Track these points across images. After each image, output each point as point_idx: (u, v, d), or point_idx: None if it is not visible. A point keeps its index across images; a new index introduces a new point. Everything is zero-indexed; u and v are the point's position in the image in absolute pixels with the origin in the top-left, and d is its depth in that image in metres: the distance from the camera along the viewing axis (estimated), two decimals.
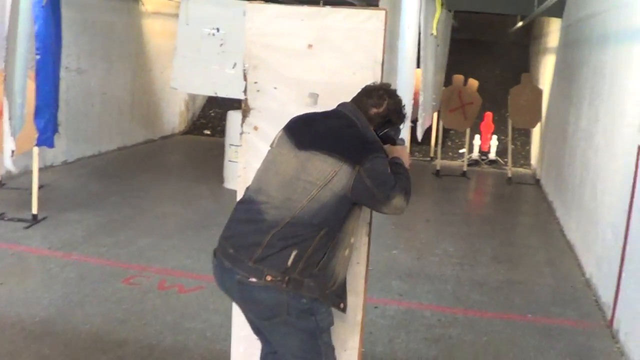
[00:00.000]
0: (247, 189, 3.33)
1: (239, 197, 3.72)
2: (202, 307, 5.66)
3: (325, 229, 3.07)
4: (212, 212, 8.71)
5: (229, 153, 10.20)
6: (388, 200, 3.10)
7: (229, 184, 9.96)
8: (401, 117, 3.38)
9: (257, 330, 3.48)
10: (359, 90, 3.42)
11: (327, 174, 3.07)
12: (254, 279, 3.03)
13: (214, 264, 3.27)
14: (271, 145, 3.35)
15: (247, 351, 3.97)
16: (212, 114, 15.68)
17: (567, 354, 5.25)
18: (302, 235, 3.04)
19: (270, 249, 3.04)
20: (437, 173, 12.39)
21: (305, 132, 3.23)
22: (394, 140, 3.40)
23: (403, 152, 3.41)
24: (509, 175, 12.34)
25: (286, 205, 3.09)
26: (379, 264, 6.94)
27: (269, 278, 3.02)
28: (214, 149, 12.76)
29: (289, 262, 3.02)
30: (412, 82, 8.87)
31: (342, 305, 3.27)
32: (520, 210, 10.50)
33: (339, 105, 3.37)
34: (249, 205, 3.20)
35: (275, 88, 3.78)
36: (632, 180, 5.65)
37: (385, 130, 3.35)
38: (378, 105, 3.32)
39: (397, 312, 5.86)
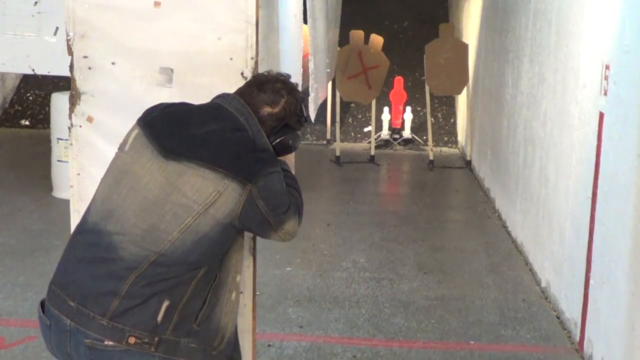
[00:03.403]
0: (89, 211, 3.14)
1: (74, 216, 3.61)
2: None
3: (204, 268, 2.98)
4: (39, 232, 8.51)
5: (57, 150, 9.99)
6: (281, 225, 3.12)
7: (60, 192, 9.77)
8: (301, 121, 3.34)
9: None
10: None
11: (208, 196, 2.97)
12: (111, 342, 2.89)
13: (44, 322, 3.09)
14: (120, 149, 3.19)
15: None
16: (31, 98, 15.30)
17: None
18: (173, 279, 2.93)
19: (132, 299, 2.91)
20: (337, 160, 12.41)
21: (175, 134, 3.10)
22: (291, 150, 3.36)
23: (288, 154, 3.39)
24: (430, 157, 12.48)
25: (150, 238, 2.96)
26: (269, 286, 6.87)
27: (132, 340, 2.89)
28: (36, 145, 12.51)
29: (159, 317, 2.91)
30: (299, 44, 8.78)
31: None
32: (449, 203, 10.63)
33: (219, 98, 3.28)
34: (94, 238, 3.04)
35: (113, 63, 3.70)
36: (594, 158, 5.67)
37: (282, 138, 3.28)
38: (273, 103, 3.25)
39: (298, 350, 5.78)
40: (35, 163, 11.26)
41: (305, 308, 6.60)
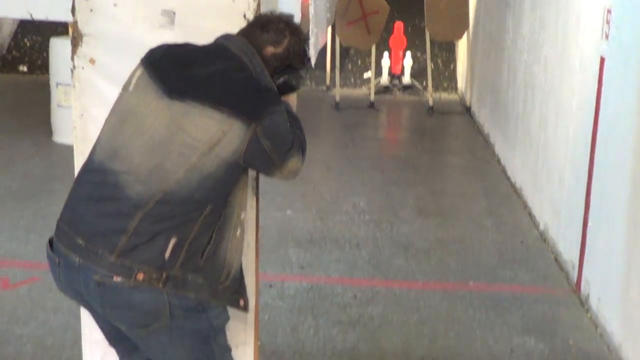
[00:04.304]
0: (94, 151, 3.13)
1: (78, 158, 3.59)
2: (37, 305, 5.49)
3: (210, 206, 2.98)
4: (41, 177, 8.51)
5: (57, 95, 9.94)
6: (284, 163, 3.10)
7: (60, 137, 9.75)
8: (304, 61, 3.34)
9: (115, 340, 3.36)
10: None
11: (213, 135, 2.96)
12: (119, 279, 2.91)
13: (53, 260, 3.11)
14: (124, 89, 3.18)
15: (106, 359, 3.81)
16: (28, 44, 15.20)
17: (524, 329, 5.31)
18: (180, 217, 2.94)
19: (140, 237, 2.92)
20: (337, 106, 12.37)
21: (179, 74, 3.09)
22: (294, 90, 3.37)
23: (290, 95, 3.38)
24: (430, 103, 12.44)
25: (156, 177, 2.96)
26: (270, 229, 6.89)
27: (140, 276, 2.91)
28: (35, 90, 12.42)
29: (167, 254, 2.92)
30: None
31: (241, 303, 3.21)
32: (449, 148, 10.63)
33: (222, 38, 3.25)
34: (100, 177, 3.05)
35: (115, 5, 3.62)
36: (594, 102, 5.70)
37: (285, 78, 3.29)
38: (276, 43, 3.23)
39: (300, 291, 5.84)
40: (35, 109, 11.20)
41: (306, 250, 6.65)
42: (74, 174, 3.54)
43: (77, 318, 4.83)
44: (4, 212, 7.41)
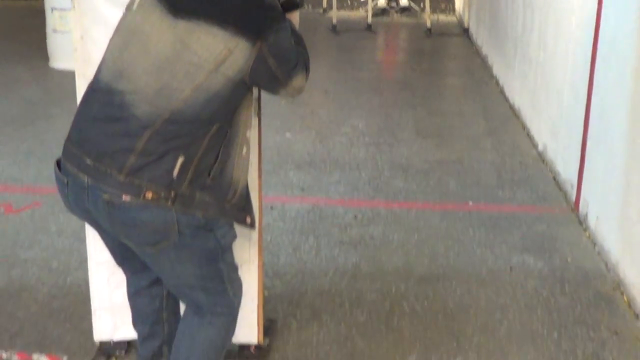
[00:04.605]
0: (100, 71, 3.12)
1: (80, 80, 3.58)
2: (40, 229, 5.52)
3: (216, 125, 2.98)
4: (38, 102, 8.53)
5: (52, 21, 9.93)
6: (289, 80, 3.09)
7: (57, 62, 9.79)
8: None
9: (123, 259, 3.41)
10: None
11: (219, 54, 2.93)
12: (128, 197, 2.92)
13: (61, 180, 3.10)
14: (128, 8, 3.14)
15: (113, 279, 3.86)
16: None
17: (523, 247, 5.36)
18: (187, 136, 2.94)
19: (148, 156, 2.92)
20: (334, 28, 12.33)
21: None
22: (297, 7, 3.33)
23: (293, 13, 3.32)
24: (428, 25, 12.41)
25: (163, 97, 2.94)
26: (270, 151, 6.91)
27: (149, 195, 2.91)
28: (30, 16, 12.38)
29: (175, 173, 2.92)
30: None
31: (248, 220, 3.23)
32: (447, 69, 10.62)
33: None
34: (107, 97, 3.03)
35: None
36: (594, 21, 5.68)
37: None
38: None
39: (301, 212, 5.87)
40: (30, 35, 11.18)
41: (306, 172, 6.69)
42: (72, 99, 3.54)
43: (81, 241, 4.89)
44: (4, 137, 7.43)
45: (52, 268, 4.96)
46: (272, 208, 5.82)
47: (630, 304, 4.63)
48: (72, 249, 5.15)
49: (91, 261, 3.93)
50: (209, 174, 2.99)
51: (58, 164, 3.13)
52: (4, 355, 4.03)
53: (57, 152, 3.18)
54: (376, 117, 8.21)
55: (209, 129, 2.95)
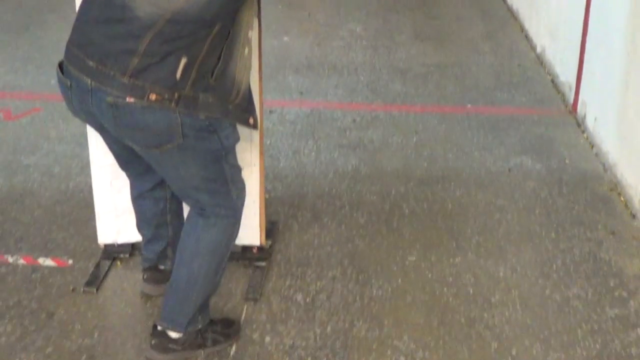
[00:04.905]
0: None
1: None
2: (41, 135, 5.52)
3: (218, 25, 2.94)
4: (33, 8, 8.39)
5: None
6: None
7: None
8: None
9: (126, 163, 3.44)
10: None
11: None
12: (132, 99, 2.91)
13: (64, 83, 3.09)
14: None
15: (116, 183, 3.88)
16: None
17: (522, 149, 5.38)
18: (189, 37, 2.91)
19: (151, 57, 2.90)
20: None
21: None
22: None
23: None
24: None
25: None
26: (268, 55, 6.72)
27: (153, 97, 2.90)
28: None
29: (178, 74, 2.91)
30: None
31: (251, 121, 3.22)
32: None
33: None
34: None
35: None
36: None
37: None
38: None
39: (300, 116, 5.88)
40: None
41: (304, 76, 6.67)
42: (67, 4, 3.51)
43: (82, 147, 4.92)
44: (1, 45, 7.34)
45: (54, 173, 4.98)
46: (271, 112, 5.81)
47: (627, 204, 4.68)
48: (73, 155, 5.16)
49: (94, 165, 3.93)
50: (212, 75, 2.97)
51: (60, 67, 3.11)
52: (10, 259, 4.08)
53: (55, 59, 3.16)
54: (374, 21, 8.13)
55: (211, 29, 2.92)
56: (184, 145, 3.01)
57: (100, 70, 2.92)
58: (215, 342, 3.45)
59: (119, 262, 4.06)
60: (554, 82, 6.48)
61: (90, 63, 2.94)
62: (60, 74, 3.10)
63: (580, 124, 5.71)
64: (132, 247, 4.09)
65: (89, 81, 2.95)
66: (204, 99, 2.97)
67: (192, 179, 3.18)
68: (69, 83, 3.05)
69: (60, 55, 3.13)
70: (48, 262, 4.07)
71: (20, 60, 6.90)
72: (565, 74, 6.22)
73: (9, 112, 5.91)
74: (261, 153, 3.83)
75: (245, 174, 3.49)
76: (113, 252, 4.09)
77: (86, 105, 3.03)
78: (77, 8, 3.25)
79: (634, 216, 4.55)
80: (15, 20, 7.99)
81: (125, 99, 2.90)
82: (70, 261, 4.07)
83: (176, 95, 2.91)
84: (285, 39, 7.55)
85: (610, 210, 4.65)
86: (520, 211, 4.61)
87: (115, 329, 3.61)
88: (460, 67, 6.91)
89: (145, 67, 2.89)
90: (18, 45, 7.27)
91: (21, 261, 4.06)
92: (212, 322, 3.48)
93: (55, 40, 7.15)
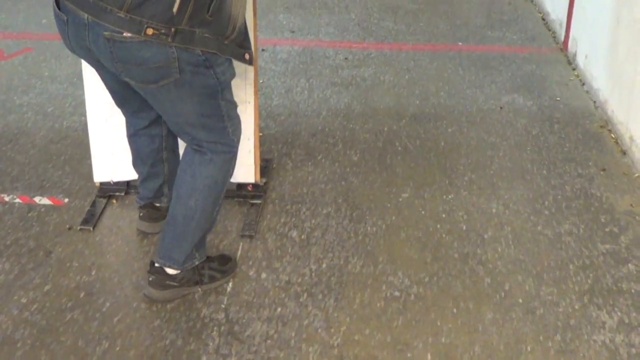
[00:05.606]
0: None
1: None
2: (33, 75, 5.49)
3: None
4: None
5: None
6: None
7: None
8: None
9: (122, 99, 3.41)
10: None
11: None
12: (129, 34, 2.88)
13: (60, 18, 3.05)
14: None
15: (111, 121, 3.86)
16: None
17: (513, 87, 5.37)
18: None
19: None
20: None
21: None
22: None
23: None
24: None
25: None
26: None
27: (150, 32, 2.87)
28: None
29: (175, 9, 2.87)
30: None
31: (247, 56, 3.19)
32: None
33: None
34: None
35: None
36: None
37: None
38: None
39: (292, 54, 5.84)
40: None
41: (296, 14, 6.61)
42: None
43: (75, 86, 4.90)
44: None
45: (47, 112, 4.94)
46: (263, 50, 5.78)
47: (617, 141, 4.68)
48: (66, 94, 5.12)
49: (89, 103, 3.89)
50: (208, 10, 2.93)
51: (57, 2, 3.07)
52: (6, 198, 4.06)
53: None
54: None
55: None
56: (180, 81, 2.98)
57: (97, 4, 2.88)
58: (212, 279, 3.46)
59: (114, 200, 4.06)
60: (545, 20, 6.45)
61: None
62: (56, 8, 3.05)
63: (571, 62, 5.69)
64: (128, 185, 4.08)
65: (86, 16, 2.91)
66: (200, 33, 2.94)
67: (189, 115, 3.16)
68: (65, 18, 3.01)
69: None
70: (44, 200, 4.06)
71: (11, 0, 6.82)
72: (556, 12, 6.19)
73: (1, 52, 5.86)
74: (256, 90, 3.81)
75: (240, 111, 3.46)
76: (109, 190, 4.08)
77: (83, 41, 2.99)
78: None
79: (624, 153, 4.56)
80: None
81: (122, 33, 2.87)
82: (66, 200, 4.06)
83: (173, 30, 2.87)
84: None
85: (601, 147, 4.65)
86: (512, 148, 4.61)
87: (113, 267, 3.61)
88: (451, 5, 6.87)
89: (142, 1, 2.85)
90: None
91: (17, 200, 4.05)
92: (208, 258, 3.49)
93: None
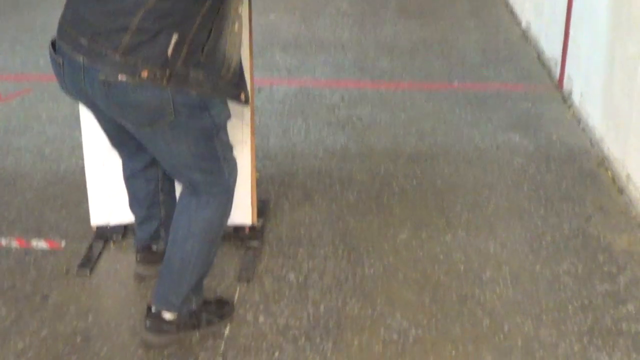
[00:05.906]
0: None
1: None
2: (31, 117, 5.49)
3: (209, 1, 2.92)
4: None
5: None
6: None
7: None
8: None
9: (119, 142, 3.41)
10: None
11: None
12: (124, 77, 2.88)
13: (56, 60, 3.06)
14: None
15: (109, 164, 3.85)
16: None
17: (509, 125, 5.37)
18: (180, 13, 2.88)
19: (142, 34, 2.87)
20: None
21: None
22: None
23: None
24: None
25: None
26: (255, 33, 6.57)
27: (145, 74, 2.87)
28: None
29: (169, 51, 2.88)
30: None
31: (242, 97, 3.19)
32: None
33: None
34: None
35: None
36: None
37: None
38: None
39: (288, 94, 5.85)
40: None
41: (292, 54, 6.63)
42: None
43: (72, 128, 4.89)
44: None
45: (45, 155, 4.93)
46: (259, 90, 5.78)
47: (614, 179, 4.67)
48: (63, 136, 5.12)
49: (86, 145, 3.89)
50: (202, 51, 2.94)
51: (53, 45, 3.08)
52: (3, 241, 4.04)
53: (43, 39, 3.13)
54: None
55: (202, 5, 2.89)
56: (175, 123, 2.98)
57: (92, 47, 2.89)
58: (209, 323, 3.43)
59: (112, 244, 4.03)
60: (540, 58, 6.47)
61: (83, 40, 2.91)
62: (52, 51, 3.06)
63: (566, 99, 5.70)
64: (125, 229, 4.06)
65: (81, 59, 2.91)
66: (195, 75, 2.93)
67: (184, 157, 3.15)
68: (61, 61, 3.01)
69: (48, 36, 3.10)
70: (41, 244, 4.03)
71: (8, 42, 6.88)
72: (551, 50, 6.20)
73: None
74: (252, 131, 3.81)
75: (236, 152, 3.45)
76: (106, 234, 4.05)
77: (78, 83, 2.99)
78: None
79: (621, 191, 4.54)
80: (2, 2, 7.94)
81: (117, 76, 2.86)
82: (63, 243, 4.03)
83: (167, 72, 2.87)
84: (272, 16, 7.53)
85: (598, 186, 4.63)
86: (509, 187, 4.59)
87: (110, 311, 3.59)
88: (446, 44, 6.90)
89: (137, 44, 2.85)
90: (5, 28, 7.26)
91: (14, 244, 4.03)
92: (205, 302, 3.46)
93: (44, 21, 7.14)
